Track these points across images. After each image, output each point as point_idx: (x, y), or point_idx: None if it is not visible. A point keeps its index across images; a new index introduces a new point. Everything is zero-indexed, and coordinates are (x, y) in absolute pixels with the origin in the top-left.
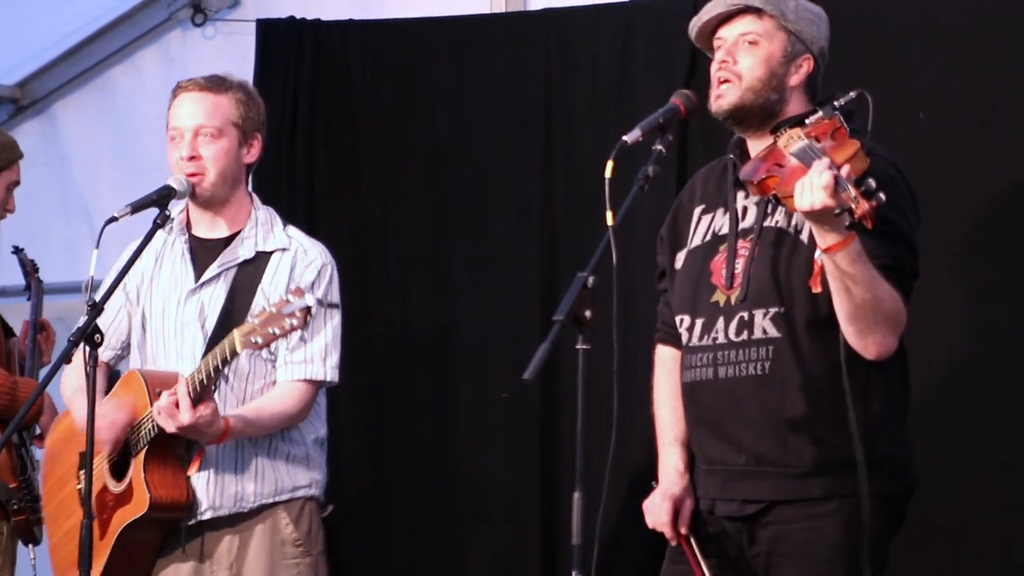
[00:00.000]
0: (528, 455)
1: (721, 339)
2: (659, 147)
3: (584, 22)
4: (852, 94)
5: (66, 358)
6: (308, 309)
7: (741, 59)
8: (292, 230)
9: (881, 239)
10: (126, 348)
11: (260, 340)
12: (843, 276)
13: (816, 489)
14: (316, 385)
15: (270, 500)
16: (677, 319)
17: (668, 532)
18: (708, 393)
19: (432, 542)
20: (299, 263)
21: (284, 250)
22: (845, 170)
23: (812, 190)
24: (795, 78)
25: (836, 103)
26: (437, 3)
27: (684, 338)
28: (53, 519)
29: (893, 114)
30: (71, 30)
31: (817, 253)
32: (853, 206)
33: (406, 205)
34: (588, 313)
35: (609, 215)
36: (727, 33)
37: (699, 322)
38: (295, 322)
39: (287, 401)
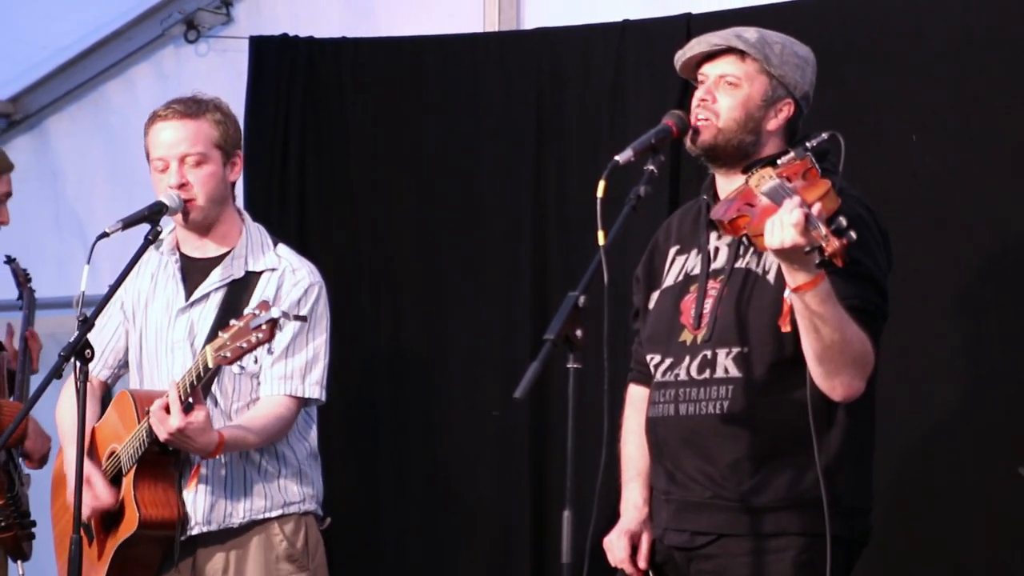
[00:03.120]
0: (518, 473)
1: (683, 376)
2: (651, 167)
3: (577, 42)
4: (824, 135)
5: (56, 373)
6: (274, 322)
7: (720, 99)
8: (282, 249)
9: (849, 279)
10: (123, 367)
11: (229, 355)
12: (812, 316)
13: (766, 525)
14: (297, 401)
15: (260, 516)
16: (648, 358)
17: (628, 568)
18: (668, 429)
19: (422, 560)
20: (286, 282)
21: (273, 270)
22: (816, 208)
23: (783, 228)
24: (773, 122)
25: (808, 144)
26: (430, 21)
27: (652, 374)
28: (60, 542)
29: (885, 138)
30: (64, 45)
31: (787, 292)
32: (823, 243)
33: (397, 223)
34: (579, 332)
35: (600, 235)
36: (710, 70)
37: (667, 360)
38: (261, 335)
39: (270, 416)
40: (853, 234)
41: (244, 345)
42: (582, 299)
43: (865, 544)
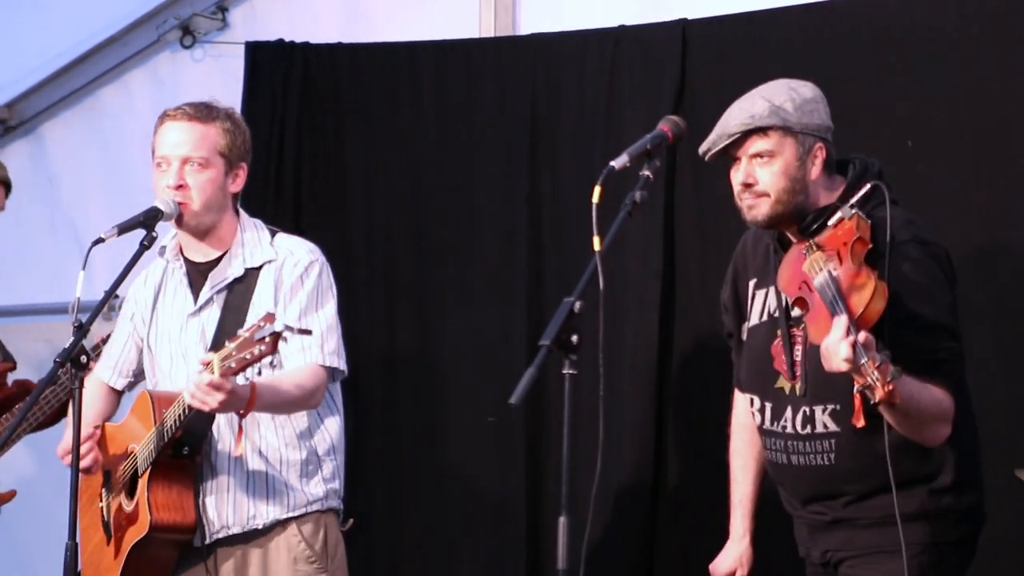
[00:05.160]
0: (514, 480)
1: (789, 429)
2: (646, 173)
3: (572, 47)
4: (867, 186)
5: (52, 379)
6: (277, 335)
7: (761, 177)
8: (279, 239)
9: (918, 335)
10: (139, 375)
11: (235, 365)
12: (887, 411)
13: (887, 539)
14: (323, 369)
15: (283, 516)
16: (747, 398)
17: None
18: (784, 474)
19: (418, 566)
20: (285, 267)
21: (271, 261)
22: (863, 336)
23: (836, 358)
24: (814, 171)
25: (853, 200)
26: (426, 27)
27: (757, 419)
28: (85, 538)
29: (880, 143)
30: (60, 51)
31: (856, 387)
32: (872, 383)
33: (393, 228)
34: (575, 338)
35: (596, 240)
36: (741, 154)
37: (768, 406)
38: (264, 348)
39: (303, 375)
40: (898, 374)
41: (248, 357)
42: (578, 305)
43: (981, 528)
